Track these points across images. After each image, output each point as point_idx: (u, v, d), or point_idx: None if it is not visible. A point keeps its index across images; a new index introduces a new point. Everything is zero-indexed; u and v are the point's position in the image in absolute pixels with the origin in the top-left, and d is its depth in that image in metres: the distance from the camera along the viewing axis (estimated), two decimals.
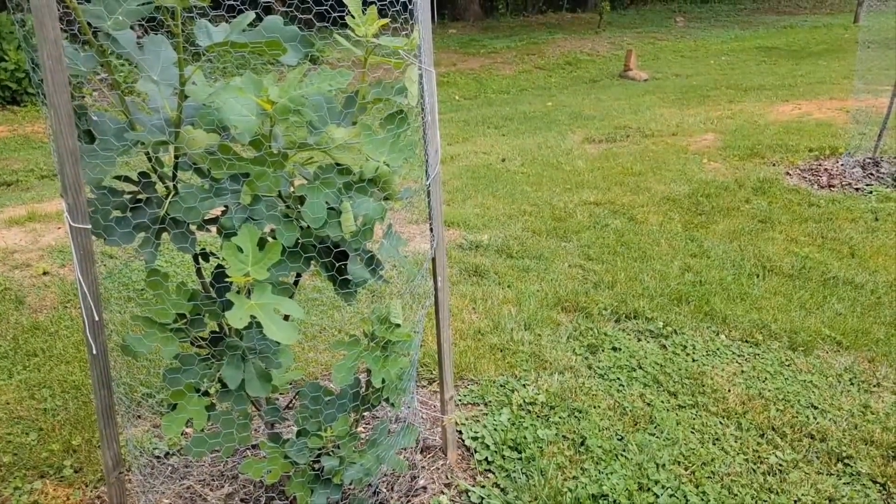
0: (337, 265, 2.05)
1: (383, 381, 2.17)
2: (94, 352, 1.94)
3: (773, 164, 6.74)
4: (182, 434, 2.82)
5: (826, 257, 4.55)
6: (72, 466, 2.62)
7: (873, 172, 6.31)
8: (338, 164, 1.99)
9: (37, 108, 10.97)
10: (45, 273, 4.17)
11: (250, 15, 2.02)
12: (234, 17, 2.04)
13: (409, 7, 2.16)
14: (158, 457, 2.69)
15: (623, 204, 5.67)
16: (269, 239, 1.91)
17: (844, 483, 2.50)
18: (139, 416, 2.92)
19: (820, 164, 6.66)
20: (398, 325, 2.20)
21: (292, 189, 2.00)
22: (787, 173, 6.47)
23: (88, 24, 1.83)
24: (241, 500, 2.52)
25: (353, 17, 2.03)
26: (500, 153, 7.73)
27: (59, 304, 3.83)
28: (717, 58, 16.50)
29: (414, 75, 2.07)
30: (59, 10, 1.67)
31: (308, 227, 1.95)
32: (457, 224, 5.17)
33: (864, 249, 4.66)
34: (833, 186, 6.07)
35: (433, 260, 2.47)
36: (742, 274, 4.29)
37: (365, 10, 2.05)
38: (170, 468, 2.64)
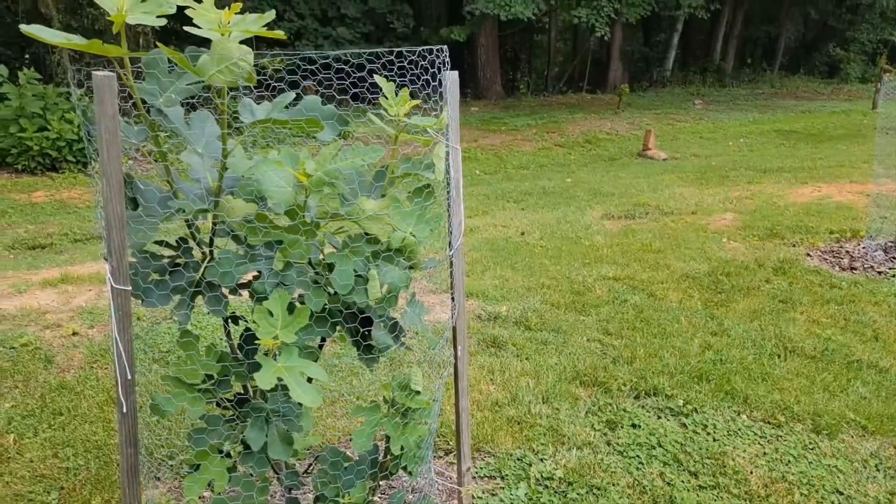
0: (362, 331, 2.11)
1: (402, 448, 2.19)
2: (125, 410, 2.00)
3: (794, 245, 6.77)
4: (200, 498, 2.83)
5: (849, 340, 4.52)
6: None
7: (895, 256, 6.31)
8: (366, 234, 2.08)
9: (74, 175, 11.38)
10: (74, 333, 4.27)
11: (290, 95, 2.16)
12: (275, 96, 2.19)
13: (440, 90, 2.30)
14: None
15: (642, 280, 5.71)
16: (298, 304, 1.98)
17: None
18: (158, 478, 2.93)
19: (841, 247, 6.68)
20: (418, 393, 2.24)
21: (322, 257, 2.09)
22: (808, 254, 6.49)
23: (142, 100, 1.98)
24: None
25: (386, 98, 2.17)
26: (520, 227, 7.85)
27: (86, 364, 3.90)
28: (736, 140, 16.76)
29: (441, 152, 2.19)
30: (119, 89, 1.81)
31: (336, 293, 2.03)
32: (475, 295, 5.23)
33: (887, 333, 4.62)
34: (855, 269, 6.07)
35: (453, 329, 2.52)
36: (763, 354, 4.27)
37: (397, 92, 2.19)
38: None
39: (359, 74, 2.25)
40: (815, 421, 3.44)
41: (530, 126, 18.29)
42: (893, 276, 5.81)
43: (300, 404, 2.19)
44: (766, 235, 7.11)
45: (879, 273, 5.92)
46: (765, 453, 3.16)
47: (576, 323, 4.76)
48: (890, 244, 6.51)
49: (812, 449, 3.21)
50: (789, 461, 3.10)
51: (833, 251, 6.55)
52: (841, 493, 2.87)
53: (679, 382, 3.84)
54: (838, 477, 2.98)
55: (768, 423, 3.45)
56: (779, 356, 4.24)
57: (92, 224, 8.60)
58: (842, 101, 23.48)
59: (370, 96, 2.25)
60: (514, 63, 30.59)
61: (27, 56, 15.42)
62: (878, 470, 3.05)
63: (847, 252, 6.47)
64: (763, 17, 29.41)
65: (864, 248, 6.52)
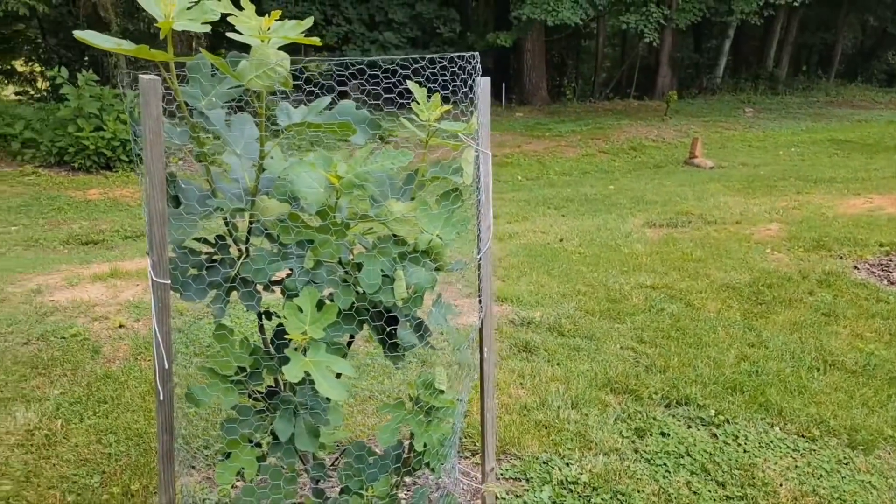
0: (387, 329, 2.18)
1: (425, 445, 2.24)
2: (161, 398, 2.10)
3: (841, 258, 6.60)
4: (232, 486, 2.93)
5: (893, 355, 4.40)
6: None
7: None
8: (394, 235, 2.14)
9: (126, 174, 11.80)
10: (120, 326, 4.45)
11: (326, 99, 2.24)
12: (312, 100, 2.27)
13: (470, 95, 2.35)
14: None
15: (680, 289, 5.65)
16: (327, 302, 2.05)
17: None
18: (193, 467, 3.05)
19: (891, 260, 6.50)
20: (442, 392, 2.28)
21: (351, 256, 2.16)
22: (855, 267, 6.33)
23: (185, 103, 2.08)
24: None
25: (417, 103, 2.23)
26: (559, 233, 7.84)
27: (130, 355, 4.06)
28: (787, 149, 16.39)
29: (470, 157, 2.24)
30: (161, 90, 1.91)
31: (363, 292, 2.09)
32: (510, 300, 5.25)
33: None
34: None
35: (480, 331, 2.57)
36: (801, 367, 4.20)
37: (430, 97, 2.25)
38: None
39: (402, 78, 2.31)
40: (852, 436, 3.37)
41: (575, 132, 18.20)
42: None
43: (328, 398, 2.27)
44: (812, 247, 6.96)
45: None
46: (796, 466, 3.12)
47: (610, 330, 4.74)
48: None
49: (846, 464, 3.15)
50: (821, 475, 3.05)
51: (882, 264, 6.37)
52: None
53: (712, 392, 3.80)
54: (871, 493, 2.92)
55: (802, 436, 3.40)
56: (818, 369, 4.16)
57: (141, 222, 8.92)
58: None
59: (408, 100, 2.31)
60: (560, 69, 30.49)
61: (86, 58, 16.03)
62: None
63: None
64: (819, 24, 28.68)
65: None
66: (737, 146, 17.00)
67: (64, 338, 4.17)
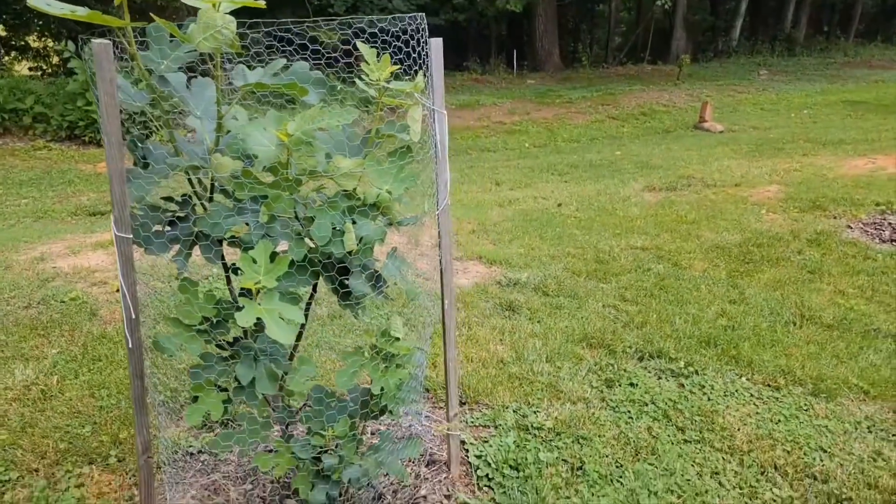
0: (340, 280, 2.30)
1: (382, 389, 2.38)
2: (130, 346, 2.25)
3: (835, 217, 6.61)
4: (214, 434, 3.10)
5: (873, 310, 4.46)
6: (116, 456, 2.93)
7: None
8: (344, 191, 2.25)
9: None
10: (118, 290, 4.63)
11: (281, 61, 2.34)
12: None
13: (423, 55, 2.43)
14: (192, 453, 2.97)
15: (670, 250, 5.72)
16: (281, 254, 2.18)
17: None
18: (181, 418, 3.22)
19: (885, 219, 6.49)
20: (398, 339, 2.41)
21: (305, 211, 2.28)
22: (849, 226, 6.34)
23: (146, 68, 2.19)
24: (259, 497, 2.76)
25: (367, 62, 2.32)
26: (558, 198, 7.90)
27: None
28: (800, 111, 16.17)
29: (417, 115, 2.33)
30: (116, 54, 2.03)
31: (316, 244, 2.21)
32: (499, 262, 5.36)
33: None
34: (895, 241, 5.91)
35: (441, 283, 2.68)
36: (778, 322, 4.28)
37: (379, 58, 2.34)
38: (200, 464, 2.92)
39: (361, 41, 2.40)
40: (816, 385, 3.47)
41: (585, 98, 18.06)
42: None
43: (294, 346, 2.41)
44: (807, 207, 6.96)
45: None
46: (757, 413, 3.22)
47: (594, 290, 4.84)
48: None
49: (806, 410, 3.25)
50: (779, 420, 3.15)
51: (875, 223, 6.38)
52: (825, 451, 2.92)
53: (685, 346, 3.90)
54: (826, 436, 3.02)
55: (768, 385, 3.50)
56: (794, 324, 4.24)
57: None
58: None
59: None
60: (574, 34, 30.08)
61: (93, 32, 16.13)
62: (869, 431, 3.07)
63: (890, 224, 6.28)
64: None
65: None
66: (748, 109, 16.80)
67: (63, 301, 4.36)
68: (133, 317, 2.20)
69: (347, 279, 2.29)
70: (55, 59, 17.31)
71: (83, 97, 11.28)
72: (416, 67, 2.39)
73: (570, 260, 5.48)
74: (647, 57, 25.14)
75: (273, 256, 2.15)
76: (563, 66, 24.18)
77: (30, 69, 17.77)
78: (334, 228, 2.21)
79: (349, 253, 2.23)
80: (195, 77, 2.39)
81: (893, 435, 3.06)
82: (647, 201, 7.62)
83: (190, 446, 3.01)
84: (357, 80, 2.38)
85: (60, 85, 11.98)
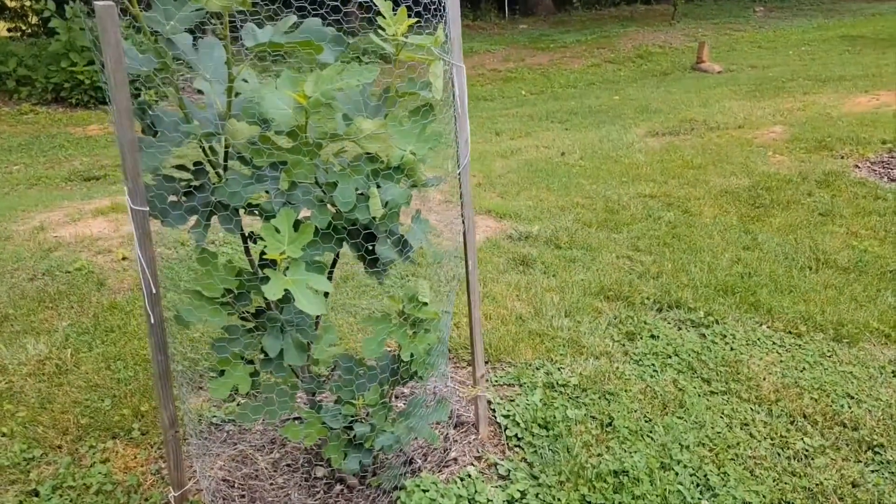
0: (366, 246, 2.23)
1: (412, 355, 2.33)
2: (152, 321, 2.18)
3: (842, 157, 6.53)
4: (238, 405, 3.07)
5: (887, 251, 4.42)
6: (139, 429, 2.90)
7: None
8: (367, 153, 2.16)
9: None
10: (123, 258, 4.55)
11: (291, 18, 2.22)
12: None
13: (440, 6, 2.31)
14: (216, 424, 2.94)
15: (678, 197, 5.65)
16: (304, 222, 2.10)
17: (871, 470, 2.50)
18: (201, 388, 3.19)
19: (893, 157, 6.41)
20: (425, 304, 2.35)
21: (326, 176, 2.19)
22: (857, 166, 6.27)
23: (151, 30, 2.07)
24: (287, 465, 2.74)
25: (383, 16, 2.20)
26: (561, 147, 7.77)
27: (135, 286, 4.17)
28: (798, 48, 15.88)
29: (438, 70, 2.22)
30: (120, 16, 1.90)
31: (340, 210, 2.13)
32: (509, 216, 5.28)
33: None
34: None
35: (465, 244, 2.61)
36: (794, 266, 4.24)
37: (395, 10, 2.22)
38: (225, 434, 2.89)
39: None
40: (837, 330, 3.45)
41: (580, 42, 17.68)
42: None
43: (316, 316, 2.35)
44: (813, 148, 6.87)
45: None
46: (781, 361, 3.21)
47: (606, 240, 4.78)
48: None
49: (829, 357, 3.24)
50: (804, 368, 3.14)
51: (883, 162, 6.30)
52: (852, 397, 2.91)
53: (703, 295, 3.86)
54: (852, 382, 3.01)
55: (789, 332, 3.48)
56: (810, 268, 4.20)
57: None
58: None
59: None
60: None
61: None
62: (894, 376, 3.06)
63: None
64: None
65: None
66: (746, 48, 16.49)
67: (69, 272, 4.28)
68: (154, 291, 2.13)
69: (373, 245, 2.22)
70: (34, 19, 16.76)
71: (67, 58, 10.95)
72: (431, 18, 2.27)
73: (579, 211, 5.41)
74: None
75: (296, 225, 2.07)
76: (556, 9, 23.61)
77: (8, 30, 17.22)
78: (359, 193, 2.12)
79: (374, 218, 2.15)
80: (201, 38, 2.27)
81: None
82: (650, 147, 7.50)
83: (213, 416, 2.98)
84: (372, 36, 2.26)
85: (42, 46, 11.61)
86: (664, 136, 8.00)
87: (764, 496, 2.38)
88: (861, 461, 2.55)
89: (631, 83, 13.77)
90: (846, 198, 5.42)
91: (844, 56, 14.10)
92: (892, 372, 3.09)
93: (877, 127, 7.33)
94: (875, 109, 8.19)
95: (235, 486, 2.60)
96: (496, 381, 3.14)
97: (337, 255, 2.42)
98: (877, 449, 2.60)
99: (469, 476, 2.55)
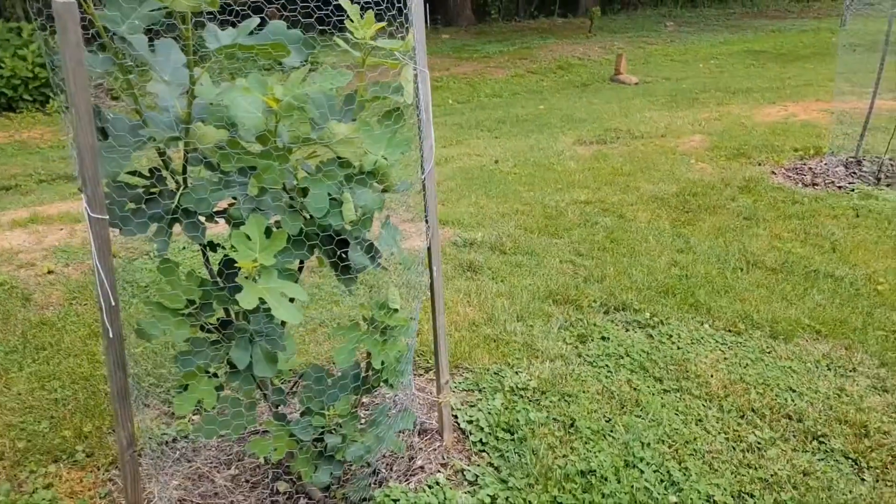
0: (338, 252, 2.18)
1: (382, 363, 2.30)
2: (111, 335, 2.06)
3: (759, 164, 6.91)
4: (189, 421, 2.94)
5: (808, 252, 4.70)
6: (84, 451, 2.73)
7: (855, 171, 6.48)
8: (339, 158, 2.12)
9: (32, 114, 11.06)
10: (50, 272, 4.28)
11: (255, 20, 2.16)
12: (241, 22, 2.17)
13: (405, 11, 2.30)
14: (167, 442, 2.81)
15: (613, 203, 5.82)
16: (275, 228, 2.04)
17: (819, 459, 2.64)
18: (147, 405, 3.03)
19: (804, 164, 6.83)
20: (396, 311, 2.33)
21: (296, 181, 2.14)
22: (773, 172, 6.64)
23: (105, 28, 1.96)
24: (246, 481, 2.65)
25: (351, 20, 2.17)
26: (494, 155, 7.87)
27: (65, 301, 3.94)
28: (707, 61, 16.72)
29: (409, 75, 2.21)
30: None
31: (311, 216, 2.08)
32: (451, 223, 5.31)
33: (844, 244, 4.81)
34: (817, 185, 6.24)
35: (429, 251, 2.60)
36: (727, 268, 4.44)
37: (362, 14, 2.19)
38: (178, 452, 2.76)
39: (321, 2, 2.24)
40: (773, 327, 3.63)
41: (502, 53, 18.01)
42: (852, 190, 5.98)
43: (283, 324, 2.29)
44: (733, 155, 7.23)
45: (840, 188, 6.09)
46: (725, 358, 3.35)
47: (549, 246, 4.87)
48: (851, 160, 6.67)
49: (769, 353, 3.40)
50: (747, 364, 3.28)
51: (797, 168, 6.71)
52: (794, 391, 3.07)
53: (646, 297, 3.99)
54: (792, 376, 3.18)
55: (729, 331, 3.63)
56: (741, 269, 4.42)
57: (56, 164, 8.44)
58: (811, 19, 23.36)
59: (336, 19, 2.24)
60: None
61: None
62: (828, 369, 3.25)
63: (810, 169, 6.62)
64: None
65: (825, 164, 6.67)
66: (659, 61, 17.22)
67: None
68: (113, 304, 2.01)
69: (346, 252, 2.18)
70: None
71: None
72: (391, 19, 2.26)
73: (520, 217, 5.49)
74: (558, 10, 25.26)
75: (267, 232, 2.01)
76: (476, 19, 23.98)
77: None
78: (331, 199, 2.08)
79: (347, 224, 2.11)
80: (159, 39, 2.17)
81: (850, 371, 3.25)
82: (580, 155, 7.71)
83: (164, 434, 2.84)
84: (338, 40, 2.22)
85: None
86: (592, 145, 8.23)
87: (725, 489, 2.48)
88: (808, 451, 2.69)
89: (554, 93, 14.12)
90: (767, 202, 5.73)
91: (750, 69, 14.94)
92: (827, 366, 3.28)
93: (787, 136, 7.79)
94: (784, 119, 8.71)
95: None
96: (455, 387, 3.14)
97: (302, 263, 2.37)
98: (821, 439, 2.75)
99: (437, 483, 2.53)
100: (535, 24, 23.56)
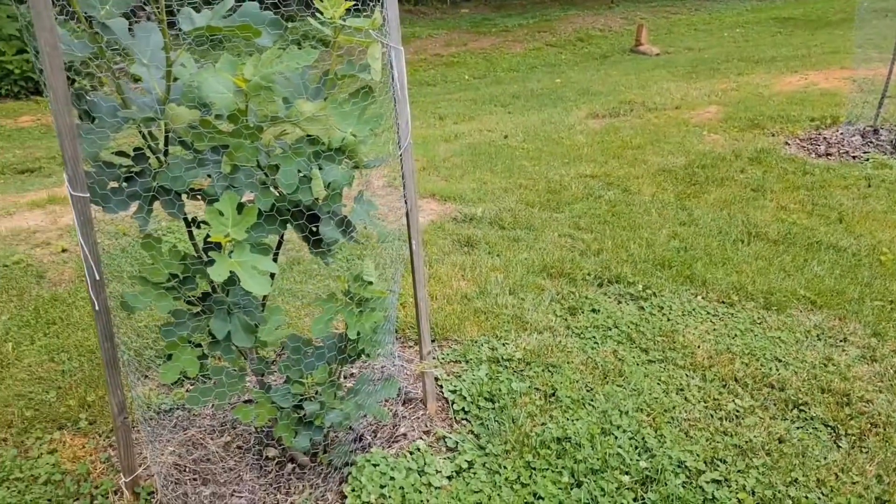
0: (310, 227, 2.26)
1: (358, 333, 2.38)
2: (97, 308, 2.18)
3: (773, 135, 6.81)
4: (186, 389, 3.08)
5: (814, 223, 4.66)
6: (87, 419, 2.88)
7: (872, 140, 6.36)
8: (308, 136, 2.19)
9: None
10: (63, 250, 4.45)
11: (230, 2, 2.22)
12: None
13: None
14: (165, 410, 2.94)
15: (618, 176, 5.81)
16: (248, 205, 2.12)
17: (797, 426, 2.67)
18: (146, 377, 3.17)
19: (820, 134, 6.72)
20: (371, 283, 2.41)
21: (269, 159, 2.21)
22: (786, 143, 6.55)
23: (84, 13, 2.04)
24: (238, 447, 2.77)
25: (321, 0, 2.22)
26: (504, 130, 7.88)
27: (76, 277, 4.10)
28: (732, 30, 16.36)
29: (377, 53, 2.26)
30: (53, 1, 1.88)
31: (283, 192, 2.16)
32: (453, 198, 5.36)
33: (852, 215, 4.76)
34: (830, 155, 6.14)
35: (408, 224, 2.67)
36: (727, 240, 4.43)
37: None
38: (175, 420, 2.90)
39: None
40: (767, 299, 3.64)
41: (521, 26, 17.83)
42: (867, 160, 5.88)
43: (262, 298, 2.38)
44: (746, 126, 7.14)
45: (854, 158, 6.00)
46: (714, 329, 3.37)
47: (549, 220, 4.90)
48: (868, 128, 6.54)
49: (759, 324, 3.42)
50: (735, 335, 3.31)
51: (811, 139, 6.60)
52: (780, 361, 3.09)
53: (642, 270, 4.01)
54: (779, 347, 3.19)
55: (722, 302, 3.65)
56: (742, 241, 4.40)
57: None
58: None
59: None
60: None
61: None
62: (818, 339, 3.26)
63: (825, 139, 6.51)
64: None
65: (841, 133, 6.56)
66: (683, 31, 16.90)
67: (6, 265, 4.17)
68: (98, 278, 2.12)
69: (317, 226, 2.26)
70: None
71: None
72: (370, 1, 2.30)
73: (522, 192, 5.51)
74: None
75: (240, 208, 2.09)
76: None
77: None
78: (301, 175, 2.15)
79: (317, 199, 2.19)
80: (137, 22, 2.25)
81: (840, 341, 3.25)
82: (591, 128, 7.67)
83: (162, 403, 2.97)
84: (310, 19, 2.28)
85: None
86: (604, 118, 8.18)
87: (698, 455, 2.52)
88: (787, 419, 2.72)
89: (572, 66, 13.99)
90: (777, 173, 5.67)
91: (776, 38, 14.60)
92: (817, 336, 3.29)
93: (805, 105, 7.65)
94: (804, 89, 8.54)
95: (186, 469, 2.62)
96: (443, 359, 3.22)
97: (281, 238, 2.45)
98: (802, 407, 2.78)
99: (418, 450, 2.62)
100: None
